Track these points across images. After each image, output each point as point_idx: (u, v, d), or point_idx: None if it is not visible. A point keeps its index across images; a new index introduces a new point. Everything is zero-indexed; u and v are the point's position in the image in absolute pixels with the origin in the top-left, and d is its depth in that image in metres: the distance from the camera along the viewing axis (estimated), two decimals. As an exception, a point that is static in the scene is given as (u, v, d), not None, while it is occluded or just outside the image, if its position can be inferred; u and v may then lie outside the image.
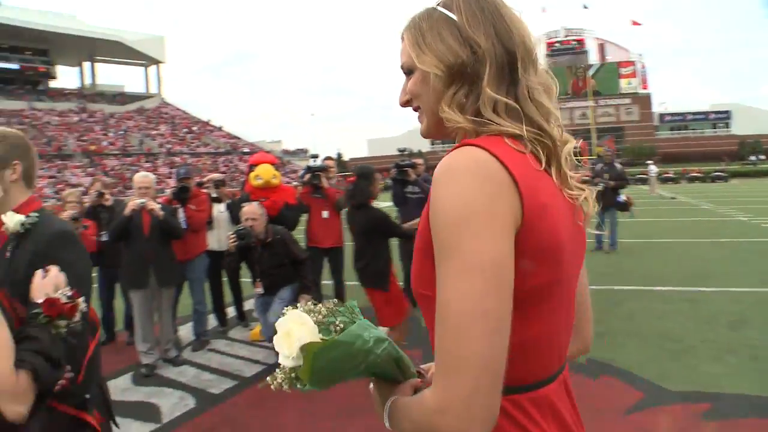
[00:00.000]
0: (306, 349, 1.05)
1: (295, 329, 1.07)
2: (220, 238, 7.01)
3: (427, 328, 1.14)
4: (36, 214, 1.96)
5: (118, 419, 2.29)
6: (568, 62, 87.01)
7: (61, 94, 75.37)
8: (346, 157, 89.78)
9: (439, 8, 1.18)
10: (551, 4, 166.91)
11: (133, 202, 5.70)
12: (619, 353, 5.51)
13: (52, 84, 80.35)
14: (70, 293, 1.63)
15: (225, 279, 7.35)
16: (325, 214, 7.20)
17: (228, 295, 7.39)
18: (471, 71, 1.12)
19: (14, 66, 74.24)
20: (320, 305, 1.15)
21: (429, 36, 1.15)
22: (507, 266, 0.98)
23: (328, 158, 8.22)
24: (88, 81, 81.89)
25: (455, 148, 1.05)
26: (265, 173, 6.83)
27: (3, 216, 1.96)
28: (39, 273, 1.65)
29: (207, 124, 75.27)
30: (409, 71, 1.22)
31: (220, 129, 75.52)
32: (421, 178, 7.56)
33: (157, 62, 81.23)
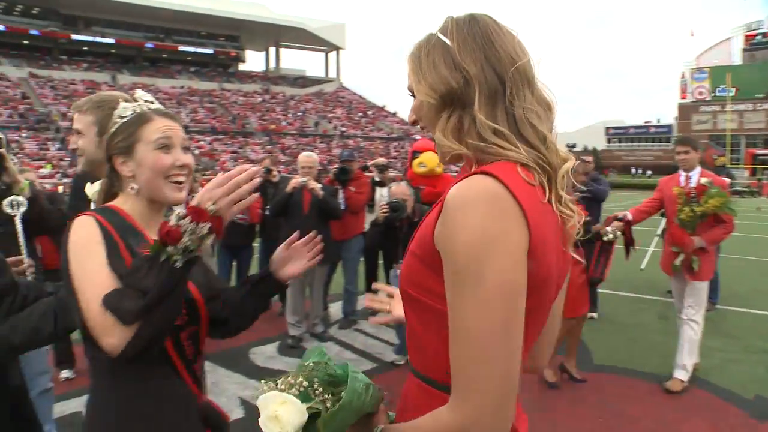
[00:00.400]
0: (318, 427, 1.14)
1: (281, 411, 1.12)
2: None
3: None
4: None
5: (257, 383, 2.30)
6: (769, 58, 78.26)
7: (248, 77, 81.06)
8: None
9: (438, 34, 1.24)
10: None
11: (295, 180, 5.98)
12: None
13: (241, 67, 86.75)
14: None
15: (381, 261, 7.21)
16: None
17: (381, 278, 7.48)
18: (462, 97, 1.17)
19: (209, 51, 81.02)
20: (296, 377, 1.19)
21: (424, 63, 1.22)
22: (523, 293, 1.06)
23: None
24: (272, 65, 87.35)
25: (469, 175, 1.11)
26: (429, 161, 6.72)
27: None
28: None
29: (382, 109, 77.24)
30: (412, 94, 1.28)
31: (394, 114, 77.13)
32: (589, 177, 7.17)
33: (337, 48, 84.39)
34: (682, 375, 4.98)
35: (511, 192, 1.05)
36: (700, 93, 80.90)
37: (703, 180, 4.96)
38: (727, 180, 6.89)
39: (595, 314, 7.28)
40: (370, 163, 8.06)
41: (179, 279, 1.42)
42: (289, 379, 1.19)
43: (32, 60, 66.41)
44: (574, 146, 9.40)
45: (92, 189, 2.28)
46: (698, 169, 5.15)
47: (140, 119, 1.66)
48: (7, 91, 54.66)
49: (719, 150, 68.13)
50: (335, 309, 7.50)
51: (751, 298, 8.56)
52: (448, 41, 1.20)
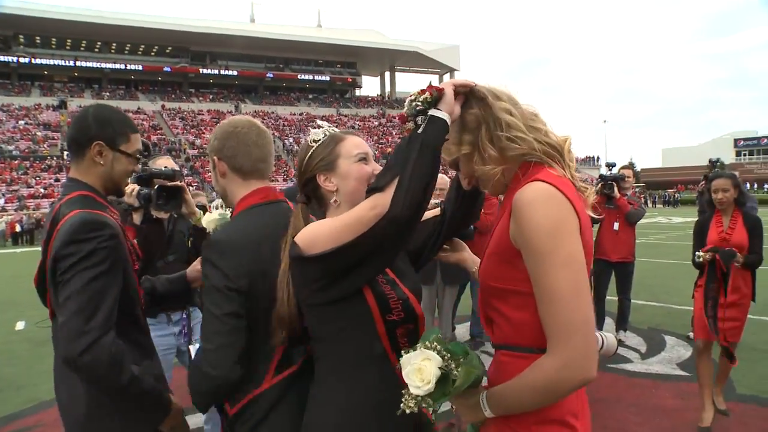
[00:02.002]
0: (464, 377, 1.43)
1: (425, 364, 1.41)
2: None
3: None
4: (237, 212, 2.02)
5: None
6: None
7: (364, 101, 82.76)
8: (637, 167, 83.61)
9: None
10: None
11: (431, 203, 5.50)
12: None
13: (357, 92, 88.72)
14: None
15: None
16: (615, 226, 6.89)
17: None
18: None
19: (326, 78, 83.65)
20: (432, 343, 1.47)
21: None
22: (583, 260, 1.44)
23: (625, 167, 7.81)
24: (387, 89, 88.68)
25: (524, 184, 1.48)
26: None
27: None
28: None
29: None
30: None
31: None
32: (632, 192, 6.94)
33: (451, 70, 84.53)
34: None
35: (560, 189, 1.44)
36: None
37: None
38: None
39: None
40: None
41: (423, 139, 1.53)
42: (426, 343, 1.46)
43: (164, 94, 71.37)
44: (718, 160, 8.22)
45: (208, 218, 2.65)
46: None
47: (335, 139, 1.87)
48: (143, 124, 58.76)
49: None
50: (463, 330, 7.46)
51: None
52: None
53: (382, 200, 1.55)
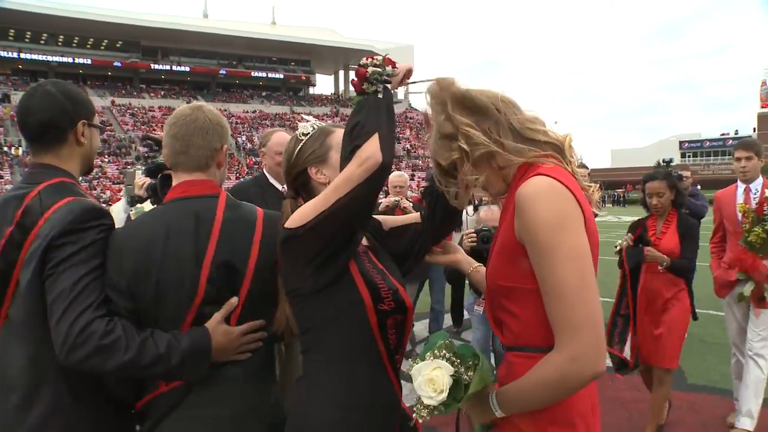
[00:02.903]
0: (477, 383, 1.44)
1: (435, 374, 1.43)
2: None
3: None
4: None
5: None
6: None
7: (318, 100, 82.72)
8: (589, 168, 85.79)
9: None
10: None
11: (387, 200, 6.04)
12: None
13: (311, 90, 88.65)
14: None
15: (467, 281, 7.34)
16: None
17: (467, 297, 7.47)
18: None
19: (279, 75, 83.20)
20: (440, 350, 1.49)
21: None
22: (589, 253, 1.40)
23: (580, 166, 7.98)
24: (341, 88, 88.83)
25: (527, 178, 1.45)
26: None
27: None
28: None
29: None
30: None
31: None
32: (688, 192, 6.95)
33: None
34: (747, 424, 4.13)
35: (562, 182, 1.41)
36: (784, 101, 77.34)
37: None
38: None
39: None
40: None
41: (387, 104, 1.68)
42: (435, 352, 1.48)
43: (114, 89, 69.96)
44: (671, 161, 9.13)
45: (136, 211, 2.61)
46: (761, 180, 4.35)
47: (324, 132, 1.87)
48: (92, 120, 57.46)
49: (806, 162, 64.68)
50: (421, 327, 7.55)
51: None
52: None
53: (367, 153, 1.56)
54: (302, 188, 1.89)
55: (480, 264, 2.04)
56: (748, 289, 4.13)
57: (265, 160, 3.78)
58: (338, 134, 1.82)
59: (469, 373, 1.45)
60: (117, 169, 48.28)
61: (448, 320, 7.67)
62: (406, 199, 6.25)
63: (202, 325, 1.75)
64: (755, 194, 4.24)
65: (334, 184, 1.61)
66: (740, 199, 4.33)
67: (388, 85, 1.70)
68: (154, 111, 65.72)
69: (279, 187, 3.61)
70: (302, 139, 1.86)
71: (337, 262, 1.66)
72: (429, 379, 1.43)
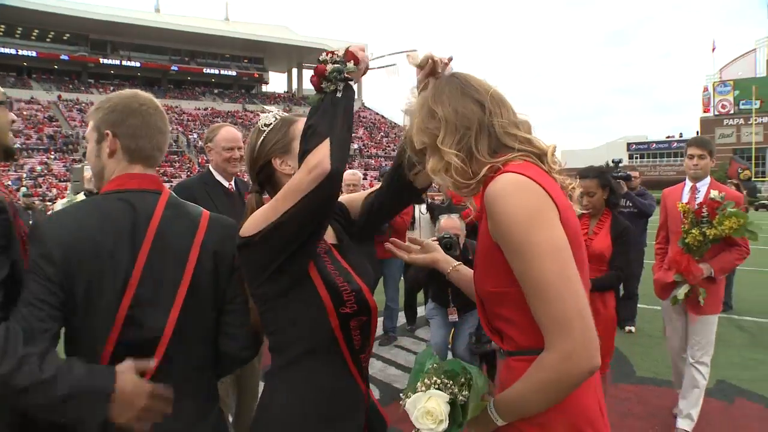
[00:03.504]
0: (470, 411, 1.42)
1: (431, 405, 1.42)
2: (422, 238, 7.14)
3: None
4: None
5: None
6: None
7: (271, 98, 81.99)
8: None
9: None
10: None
11: (341, 198, 6.07)
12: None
13: (264, 88, 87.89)
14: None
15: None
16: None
17: (420, 295, 7.56)
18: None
19: (232, 73, 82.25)
20: (430, 378, 1.48)
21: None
22: (568, 247, 1.35)
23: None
24: (295, 86, 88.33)
25: (495, 176, 1.41)
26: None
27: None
28: None
29: (401, 128, 77.52)
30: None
31: (411, 131, 77.39)
32: (636, 191, 7.22)
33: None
34: (687, 425, 4.20)
35: (532, 179, 1.37)
36: (723, 106, 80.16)
37: (714, 194, 3.97)
38: (742, 193, 6.08)
39: (633, 328, 7.35)
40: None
41: (345, 104, 1.61)
42: (425, 380, 1.47)
43: (61, 83, 67.99)
44: (620, 161, 9.45)
45: (61, 206, 2.28)
46: (708, 180, 4.23)
47: (287, 121, 1.83)
48: (37, 115, 55.95)
49: (744, 164, 67.38)
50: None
51: (789, 311, 8.53)
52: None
53: (316, 160, 1.51)
54: (267, 181, 1.83)
55: (460, 263, 2.03)
56: (682, 292, 4.06)
57: (212, 156, 3.60)
58: (300, 124, 1.77)
59: (464, 392, 1.43)
60: (64, 166, 46.91)
61: (401, 318, 7.74)
62: None
63: (111, 366, 1.52)
64: (701, 194, 4.17)
65: (283, 192, 1.58)
66: (685, 198, 4.26)
67: (350, 82, 1.64)
68: (102, 107, 64.13)
69: (226, 184, 3.51)
70: (264, 130, 1.82)
71: (294, 266, 1.63)
72: (426, 412, 1.41)
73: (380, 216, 1.98)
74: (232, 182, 3.53)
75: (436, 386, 1.44)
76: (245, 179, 3.06)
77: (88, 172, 3.07)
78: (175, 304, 1.64)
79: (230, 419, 3.64)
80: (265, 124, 1.83)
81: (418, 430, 1.44)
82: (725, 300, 7.63)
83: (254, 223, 1.60)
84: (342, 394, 1.71)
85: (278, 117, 1.85)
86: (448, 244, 4.30)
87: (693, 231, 3.93)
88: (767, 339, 7.03)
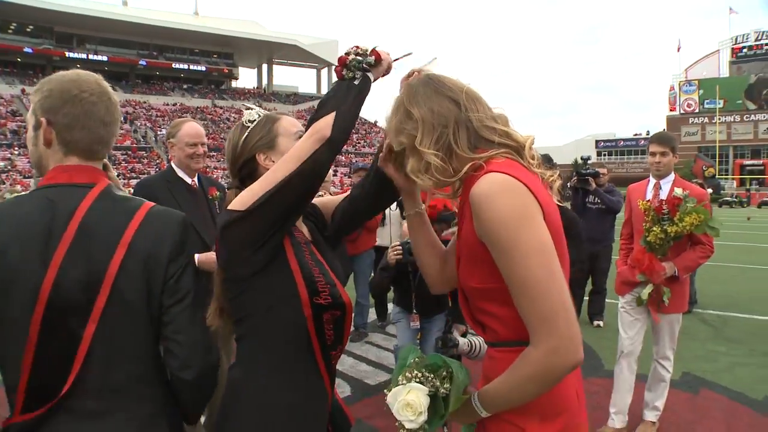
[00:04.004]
0: (453, 401, 1.47)
1: (411, 398, 1.46)
2: (392, 235, 7.19)
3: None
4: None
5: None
6: (756, 70, 79.11)
7: (241, 94, 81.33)
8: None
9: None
10: (742, 5, 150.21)
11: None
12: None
13: (233, 84, 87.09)
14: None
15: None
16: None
17: (390, 291, 7.58)
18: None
19: (201, 68, 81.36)
20: (411, 371, 1.52)
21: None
22: (552, 245, 1.39)
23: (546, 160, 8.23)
24: (265, 82, 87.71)
25: (479, 171, 1.45)
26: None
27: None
28: None
29: (374, 125, 77.62)
30: None
31: (386, 131, 77.39)
32: (604, 188, 7.32)
33: (329, 65, 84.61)
34: (653, 416, 4.27)
35: (517, 179, 1.41)
36: (689, 105, 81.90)
37: (678, 191, 3.92)
38: (708, 190, 5.97)
39: (601, 323, 7.48)
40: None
41: (358, 91, 1.70)
42: (406, 374, 1.51)
43: (25, 77, 66.48)
44: (589, 158, 9.56)
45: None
46: (672, 176, 4.17)
47: (271, 118, 1.88)
48: (0, 109, 54.61)
49: (709, 161, 69.04)
50: None
51: (751, 304, 8.82)
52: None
53: (318, 127, 1.61)
54: (249, 177, 1.81)
55: (423, 210, 1.86)
56: (645, 292, 3.99)
57: (174, 151, 3.52)
58: (284, 121, 1.87)
59: (445, 386, 1.48)
60: (29, 162, 45.88)
61: (372, 314, 7.81)
62: (329, 194, 6.30)
63: None
64: (665, 191, 4.10)
65: (284, 159, 1.63)
66: (649, 195, 4.19)
67: (369, 74, 1.72)
68: (68, 101, 62.89)
69: (189, 180, 3.44)
70: (248, 126, 1.85)
71: (274, 241, 1.64)
72: (406, 404, 1.46)
73: (359, 218, 2.00)
74: (195, 179, 3.46)
75: (417, 380, 1.48)
76: (214, 175, 3.01)
77: None
78: (92, 315, 1.45)
79: (202, 419, 3.60)
80: (250, 120, 1.85)
81: (400, 422, 1.47)
82: (690, 298, 7.72)
83: (250, 194, 1.60)
84: (306, 391, 1.70)
85: (261, 114, 1.88)
86: (411, 249, 4.08)
87: (654, 229, 3.88)
88: (730, 332, 7.22)
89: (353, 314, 2.08)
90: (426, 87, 1.58)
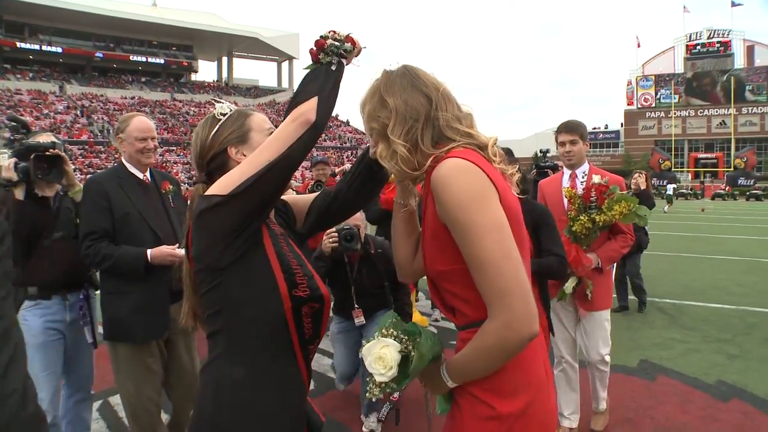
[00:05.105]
0: (418, 360, 1.55)
1: (384, 352, 1.54)
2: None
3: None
4: None
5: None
6: (710, 66, 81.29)
7: (200, 87, 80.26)
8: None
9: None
10: (694, 4, 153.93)
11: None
12: (753, 379, 5.21)
13: (193, 77, 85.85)
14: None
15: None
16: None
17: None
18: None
19: (160, 61, 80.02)
20: (388, 330, 1.61)
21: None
22: (507, 225, 1.47)
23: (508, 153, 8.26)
24: (225, 75, 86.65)
25: (440, 161, 1.52)
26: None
27: None
28: None
29: (335, 118, 77.31)
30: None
31: (347, 123, 77.50)
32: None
33: (290, 58, 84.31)
34: (604, 405, 4.24)
35: (473, 162, 1.49)
36: (646, 100, 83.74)
37: (596, 178, 3.76)
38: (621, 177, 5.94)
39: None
40: (337, 170, 8.16)
41: (336, 77, 1.73)
42: (383, 331, 1.60)
43: (-27, 69, 64.42)
44: (548, 151, 9.65)
45: None
46: (587, 165, 4.03)
47: (243, 113, 1.86)
48: (-52, 102, 52.94)
49: (665, 155, 70.77)
50: None
51: (705, 293, 9.08)
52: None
53: (302, 111, 1.63)
54: (218, 170, 1.77)
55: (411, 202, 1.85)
56: (569, 286, 3.77)
57: (124, 147, 3.37)
58: (257, 117, 1.86)
59: (417, 350, 1.56)
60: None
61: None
62: (291, 189, 6.22)
63: None
64: (582, 180, 3.93)
65: (267, 142, 1.62)
66: (566, 186, 4.00)
67: (344, 60, 1.76)
68: (21, 94, 61.23)
69: (140, 175, 3.35)
70: (220, 119, 1.83)
71: (253, 228, 1.60)
72: (378, 357, 1.54)
73: (341, 214, 1.98)
74: (147, 173, 3.39)
75: (393, 337, 1.57)
76: (167, 170, 2.91)
77: (4, 161, 2.97)
78: None
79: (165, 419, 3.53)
80: (222, 113, 1.84)
81: (371, 375, 1.56)
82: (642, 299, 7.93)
83: (230, 180, 1.57)
84: (288, 385, 1.67)
85: (233, 108, 1.88)
86: (348, 236, 4.16)
87: (581, 217, 3.69)
88: (685, 320, 7.41)
89: None
90: (403, 78, 1.65)
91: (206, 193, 1.60)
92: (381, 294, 4.39)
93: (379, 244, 4.52)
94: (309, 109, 1.63)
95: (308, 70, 1.75)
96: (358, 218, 4.37)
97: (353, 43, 1.75)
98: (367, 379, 1.58)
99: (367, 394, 1.58)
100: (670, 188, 38.39)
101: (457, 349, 1.64)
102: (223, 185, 1.57)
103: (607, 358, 4.03)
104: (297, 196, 2.05)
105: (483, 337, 1.47)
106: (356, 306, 4.40)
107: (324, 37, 1.73)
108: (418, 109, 1.59)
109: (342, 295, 4.47)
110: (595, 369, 4.10)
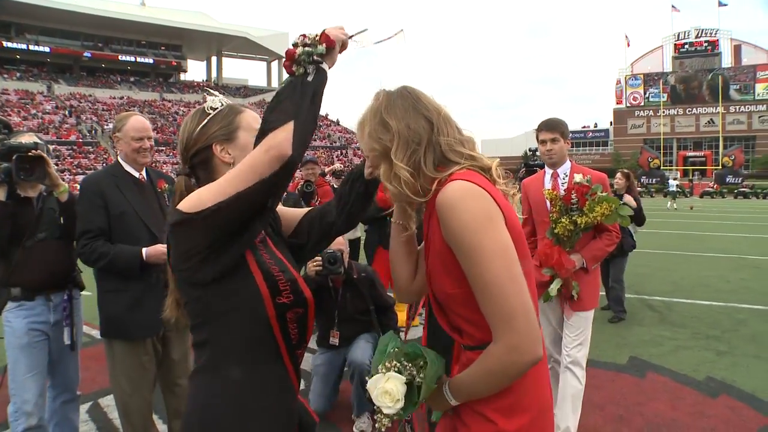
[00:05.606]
0: (425, 390, 1.56)
1: (389, 386, 1.56)
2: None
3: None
4: None
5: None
6: (698, 65, 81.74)
7: (189, 86, 79.88)
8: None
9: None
10: (683, 3, 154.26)
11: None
12: (742, 375, 5.26)
13: (182, 77, 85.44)
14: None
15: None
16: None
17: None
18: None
19: (149, 60, 79.61)
20: (390, 361, 1.61)
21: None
22: (513, 248, 1.47)
23: None
24: (214, 75, 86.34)
25: (446, 183, 1.51)
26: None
27: None
28: None
29: (324, 117, 77.15)
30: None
31: (337, 123, 77.35)
32: None
33: (279, 57, 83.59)
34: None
35: (479, 186, 1.48)
36: (635, 98, 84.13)
37: (578, 177, 3.70)
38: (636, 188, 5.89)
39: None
40: (327, 170, 8.16)
41: (314, 88, 1.56)
42: (385, 363, 1.60)
43: (-40, 69, 63.86)
44: (537, 149, 9.65)
45: None
46: (569, 164, 3.94)
47: (234, 110, 1.78)
48: (-66, 102, 52.49)
49: (654, 153, 71.10)
50: None
51: (694, 290, 9.15)
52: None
53: (276, 141, 1.48)
54: (202, 165, 1.73)
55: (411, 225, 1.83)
56: (554, 288, 3.71)
57: (120, 146, 3.39)
58: (248, 115, 1.78)
59: (421, 375, 1.57)
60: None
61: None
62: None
63: None
64: (564, 180, 3.85)
65: (239, 169, 1.51)
66: (548, 185, 3.91)
67: (322, 65, 1.59)
68: (8, 94, 60.75)
69: (136, 175, 3.36)
70: (210, 113, 1.75)
71: (232, 252, 1.54)
72: (384, 392, 1.55)
73: (337, 229, 1.91)
74: (143, 172, 3.39)
75: (396, 369, 1.58)
76: (163, 170, 2.93)
77: None
78: None
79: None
80: (212, 108, 1.76)
81: (378, 408, 1.57)
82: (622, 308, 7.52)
83: (199, 200, 1.49)
84: (276, 393, 1.64)
85: (224, 103, 1.79)
86: (331, 259, 4.23)
87: (562, 220, 3.61)
88: (674, 317, 7.48)
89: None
90: (404, 100, 1.62)
91: (178, 207, 1.53)
92: (365, 321, 4.49)
93: (362, 268, 4.60)
94: (282, 140, 1.48)
95: (284, 84, 1.61)
96: (341, 242, 4.33)
97: (329, 42, 1.58)
98: (375, 408, 1.59)
99: (377, 425, 1.60)
100: (673, 184, 37.02)
101: (462, 366, 1.67)
102: (195, 201, 1.50)
103: (583, 363, 3.79)
104: (285, 210, 1.98)
105: (487, 359, 1.49)
106: (335, 329, 4.51)
107: (295, 45, 1.58)
108: (420, 133, 1.58)
109: (326, 326, 4.55)
110: (565, 380, 3.79)
